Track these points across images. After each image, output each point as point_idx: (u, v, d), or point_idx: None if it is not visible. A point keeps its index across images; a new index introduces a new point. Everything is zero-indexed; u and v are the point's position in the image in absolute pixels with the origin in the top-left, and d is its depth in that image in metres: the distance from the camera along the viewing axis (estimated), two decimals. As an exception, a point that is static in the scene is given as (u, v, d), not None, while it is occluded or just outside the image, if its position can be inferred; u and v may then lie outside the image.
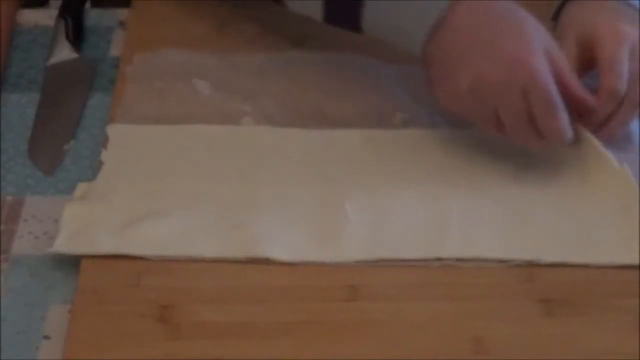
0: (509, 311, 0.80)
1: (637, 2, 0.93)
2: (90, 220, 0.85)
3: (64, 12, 1.07)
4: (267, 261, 0.83)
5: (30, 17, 1.09)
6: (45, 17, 1.09)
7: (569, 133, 0.86)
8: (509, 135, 0.87)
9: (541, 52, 0.85)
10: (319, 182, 0.89)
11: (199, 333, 0.78)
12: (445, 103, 0.88)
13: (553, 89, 0.84)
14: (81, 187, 0.89)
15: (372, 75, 1.01)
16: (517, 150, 0.92)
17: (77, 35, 1.05)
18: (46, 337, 0.79)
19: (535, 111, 0.84)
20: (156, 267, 0.82)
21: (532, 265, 0.83)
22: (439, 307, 0.80)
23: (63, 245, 0.83)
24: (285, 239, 0.84)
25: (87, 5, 1.12)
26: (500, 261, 0.83)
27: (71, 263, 0.83)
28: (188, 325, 0.78)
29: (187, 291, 0.81)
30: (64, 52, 1.04)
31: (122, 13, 1.10)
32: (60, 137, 0.96)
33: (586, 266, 0.83)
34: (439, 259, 0.83)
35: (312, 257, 0.83)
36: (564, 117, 0.85)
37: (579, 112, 0.88)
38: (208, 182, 0.89)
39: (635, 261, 0.83)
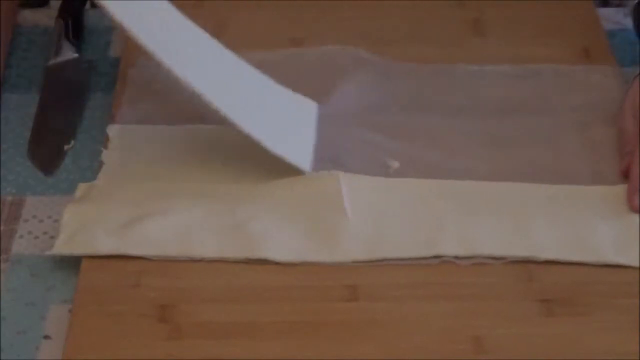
0: (509, 311, 0.80)
1: None
2: (90, 220, 0.85)
3: (63, 12, 1.07)
4: (267, 261, 0.83)
5: (30, 17, 1.09)
6: (45, 17, 1.09)
7: None
8: None
9: None
10: (318, 181, 0.90)
11: (199, 333, 0.78)
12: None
13: None
14: (81, 188, 0.89)
15: (370, 71, 1.01)
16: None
17: (77, 35, 1.05)
18: (46, 337, 0.79)
19: None
20: (156, 267, 0.82)
21: (532, 265, 0.83)
22: (438, 307, 0.80)
23: (63, 246, 0.83)
24: (285, 240, 0.84)
25: (87, 5, 1.12)
26: (498, 258, 0.83)
27: (71, 263, 0.83)
28: (188, 325, 0.78)
29: (187, 291, 0.81)
30: (64, 52, 1.04)
31: (122, 13, 1.10)
32: (60, 137, 0.96)
33: (585, 265, 0.83)
34: (438, 257, 0.83)
35: (311, 257, 0.83)
36: None
37: None
38: (208, 183, 0.89)
39: (635, 262, 0.83)
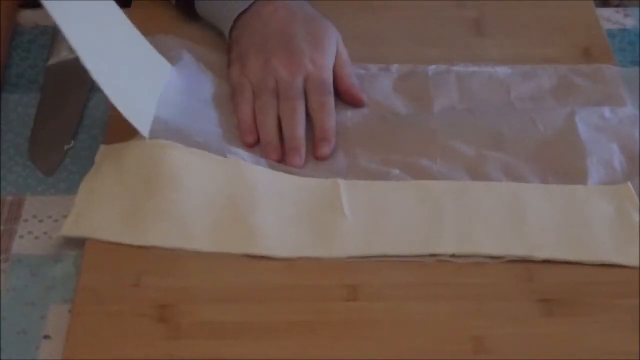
0: (509, 311, 0.80)
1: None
2: (97, 205, 0.86)
3: (63, 12, 1.07)
4: (266, 260, 0.83)
5: (30, 17, 1.09)
6: (45, 17, 1.09)
7: (332, 117, 0.94)
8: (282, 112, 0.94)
9: (331, 58, 0.98)
10: (316, 178, 0.90)
11: (199, 333, 0.78)
12: (233, 79, 0.97)
13: (330, 81, 0.96)
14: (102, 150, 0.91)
15: (372, 75, 1.01)
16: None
17: (77, 35, 1.05)
18: (46, 337, 0.79)
19: (309, 90, 0.95)
20: (156, 267, 0.83)
21: (531, 264, 0.83)
22: (439, 307, 0.80)
23: (69, 228, 0.84)
24: (282, 236, 0.84)
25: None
26: (496, 257, 0.83)
27: (71, 263, 0.83)
28: (188, 325, 0.78)
29: (187, 291, 0.81)
30: (64, 52, 1.03)
31: (122, 13, 1.10)
32: (60, 137, 0.96)
33: (585, 265, 0.83)
34: (435, 255, 0.83)
35: (308, 253, 0.83)
36: (332, 99, 0.95)
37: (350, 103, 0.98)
38: (208, 177, 0.89)
39: (635, 262, 0.83)
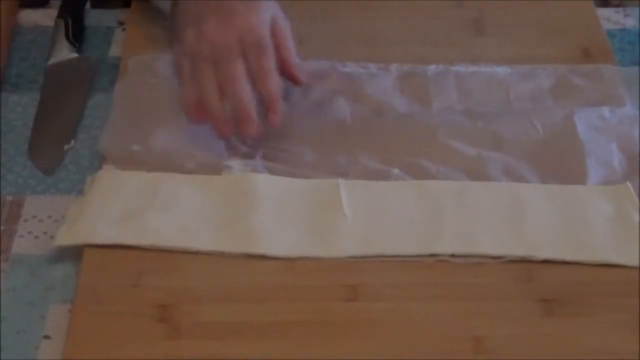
0: (509, 311, 0.80)
1: None
2: (91, 211, 0.85)
3: (64, 12, 1.07)
4: (265, 259, 0.83)
5: (30, 17, 1.09)
6: (45, 17, 1.09)
7: (276, 80, 0.90)
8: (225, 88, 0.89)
9: (266, 17, 0.92)
10: (316, 177, 0.90)
11: (199, 333, 0.78)
12: (174, 60, 0.93)
13: (267, 37, 0.91)
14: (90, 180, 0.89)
15: (371, 74, 1.01)
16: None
17: (77, 35, 1.05)
18: (46, 337, 0.79)
19: (247, 52, 0.90)
20: (156, 267, 0.83)
21: (531, 264, 0.83)
22: (438, 307, 0.80)
23: (64, 237, 0.84)
24: (282, 236, 0.84)
25: (87, 5, 1.12)
26: (495, 257, 0.83)
27: (71, 263, 0.83)
28: (188, 325, 0.78)
29: (187, 291, 0.81)
30: (64, 52, 1.04)
31: (122, 13, 1.10)
32: (60, 137, 0.96)
33: (585, 265, 0.83)
34: (434, 255, 0.83)
35: (307, 252, 0.83)
36: (272, 61, 0.91)
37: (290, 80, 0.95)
38: (207, 176, 0.89)
39: (635, 262, 0.83)
